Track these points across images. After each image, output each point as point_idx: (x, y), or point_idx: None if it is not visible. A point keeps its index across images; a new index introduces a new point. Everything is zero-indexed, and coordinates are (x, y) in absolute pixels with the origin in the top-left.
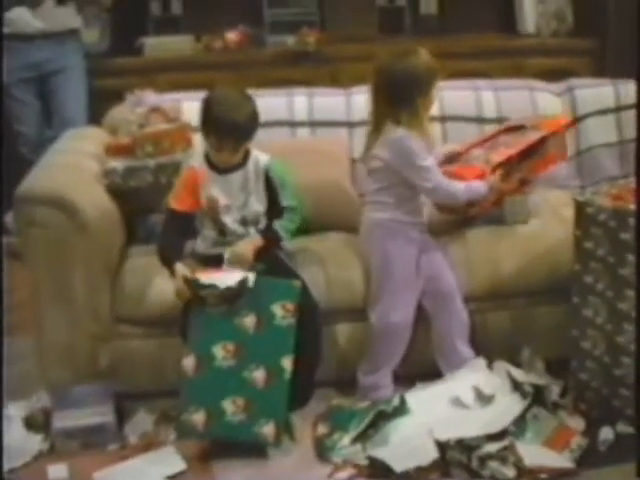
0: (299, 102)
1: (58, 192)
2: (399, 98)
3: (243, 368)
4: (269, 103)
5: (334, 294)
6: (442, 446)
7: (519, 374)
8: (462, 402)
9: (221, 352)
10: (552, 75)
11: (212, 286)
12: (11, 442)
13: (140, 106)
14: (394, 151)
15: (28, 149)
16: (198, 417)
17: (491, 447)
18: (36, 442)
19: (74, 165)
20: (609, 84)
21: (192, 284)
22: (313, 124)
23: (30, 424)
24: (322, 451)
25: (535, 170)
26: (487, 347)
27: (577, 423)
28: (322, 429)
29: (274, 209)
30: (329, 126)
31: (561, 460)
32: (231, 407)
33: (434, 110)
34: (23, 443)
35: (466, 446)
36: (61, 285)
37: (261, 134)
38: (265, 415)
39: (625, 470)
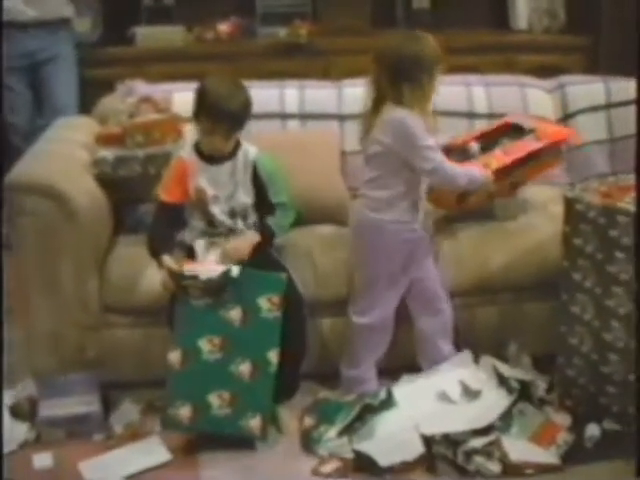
0: (290, 94)
1: (48, 181)
2: (404, 76)
3: (229, 362)
4: (260, 95)
5: (320, 287)
6: (428, 441)
7: (505, 369)
8: (448, 397)
9: (207, 346)
10: (543, 71)
11: (193, 277)
12: None
13: (131, 96)
14: (394, 131)
15: (19, 138)
16: (184, 411)
17: (477, 442)
18: (22, 431)
19: (64, 154)
20: (600, 81)
21: (175, 275)
22: (304, 117)
23: (16, 413)
24: (308, 443)
25: (528, 176)
26: (474, 342)
27: (563, 419)
28: (309, 421)
29: (264, 205)
30: (320, 119)
31: (547, 456)
32: (217, 401)
33: None
34: (9, 432)
35: (452, 441)
36: (49, 274)
37: (251, 126)
38: (251, 409)
39: (611, 467)
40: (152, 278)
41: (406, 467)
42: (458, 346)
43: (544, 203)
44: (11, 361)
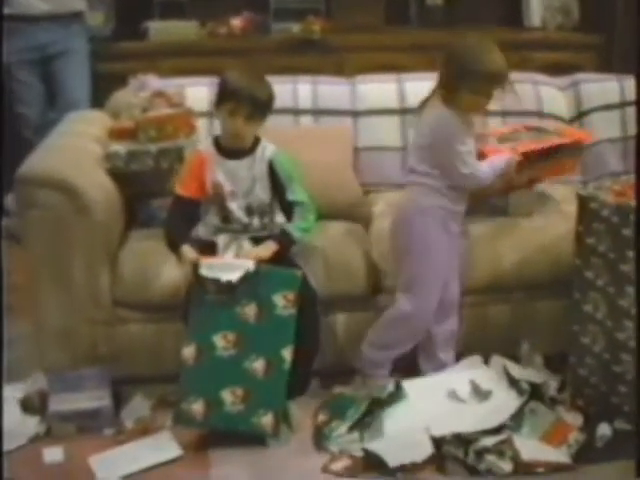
0: (303, 90)
1: (60, 174)
2: (465, 84)
3: (243, 358)
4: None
5: (334, 284)
6: (438, 441)
7: (516, 371)
8: (458, 396)
9: (221, 341)
10: (557, 69)
11: (214, 280)
12: (7, 424)
13: (143, 90)
14: (434, 131)
15: (30, 131)
16: (197, 407)
17: (488, 441)
18: (32, 425)
19: (76, 148)
20: (614, 79)
21: (195, 270)
22: (317, 112)
23: (26, 407)
24: (320, 439)
25: (546, 173)
26: (486, 340)
27: (575, 419)
28: (322, 417)
29: (281, 204)
30: (333, 115)
31: (558, 455)
32: (230, 397)
33: None
34: (19, 426)
35: (463, 440)
36: (60, 268)
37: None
38: (264, 406)
39: (622, 467)
40: (164, 273)
41: (415, 467)
42: (467, 347)
43: (557, 201)
44: (21, 355)
